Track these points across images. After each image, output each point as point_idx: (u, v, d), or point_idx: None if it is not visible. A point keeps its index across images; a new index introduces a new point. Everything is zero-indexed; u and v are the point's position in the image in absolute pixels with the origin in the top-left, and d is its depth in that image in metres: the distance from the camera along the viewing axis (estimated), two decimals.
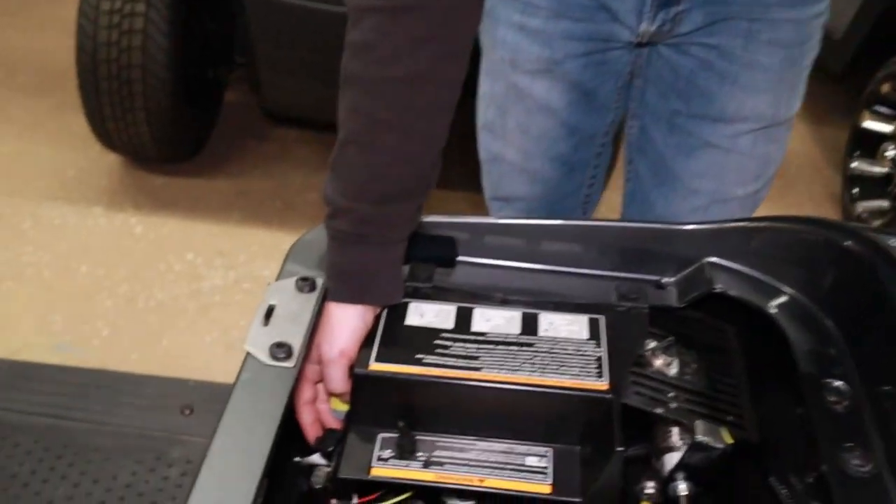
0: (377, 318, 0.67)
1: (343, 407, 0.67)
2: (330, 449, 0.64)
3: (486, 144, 0.95)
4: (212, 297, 1.77)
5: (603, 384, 0.61)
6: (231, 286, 1.80)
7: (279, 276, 0.69)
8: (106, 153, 2.06)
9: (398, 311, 0.67)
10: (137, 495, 0.99)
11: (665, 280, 0.71)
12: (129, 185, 2.03)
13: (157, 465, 1.05)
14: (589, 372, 0.62)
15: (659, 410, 0.61)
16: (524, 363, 0.63)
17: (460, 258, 0.72)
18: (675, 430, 0.63)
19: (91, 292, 1.74)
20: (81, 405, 1.12)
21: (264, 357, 0.62)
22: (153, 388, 1.20)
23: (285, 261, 0.68)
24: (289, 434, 0.56)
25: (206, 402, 1.18)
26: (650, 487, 0.60)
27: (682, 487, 0.60)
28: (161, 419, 1.13)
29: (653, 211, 0.92)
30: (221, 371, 1.53)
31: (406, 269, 0.69)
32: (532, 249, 0.72)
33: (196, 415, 1.17)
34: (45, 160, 2.09)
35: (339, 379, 0.64)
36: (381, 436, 0.63)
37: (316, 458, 0.63)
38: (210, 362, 1.60)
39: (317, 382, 0.67)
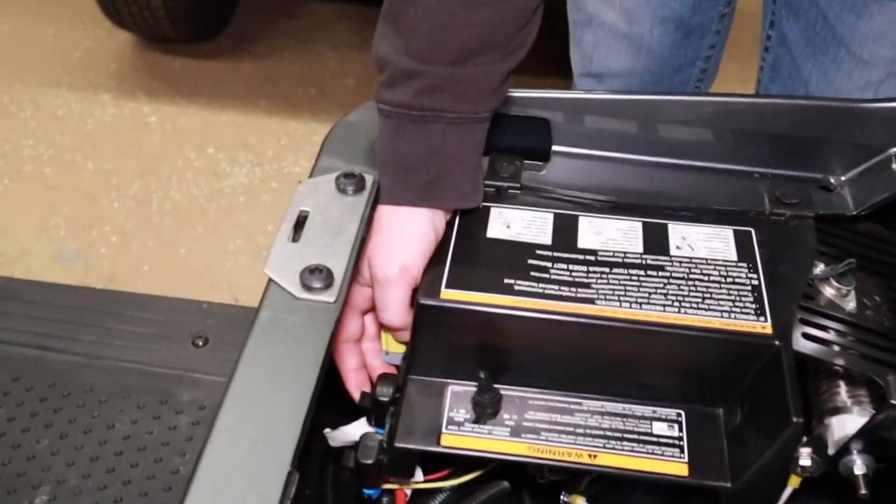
0: (448, 228, 0.59)
1: (400, 349, 0.60)
2: (382, 407, 0.56)
3: (579, 3, 0.87)
4: (235, 199, 1.72)
5: (765, 326, 0.53)
6: (257, 185, 1.74)
7: (313, 173, 0.60)
8: (116, 32, 1.97)
9: (477, 220, 0.60)
10: (139, 450, 0.91)
11: (835, 179, 0.63)
12: (142, 69, 1.95)
13: (163, 411, 0.96)
14: (744, 307, 0.54)
15: (841, 362, 0.52)
16: (653, 294, 0.55)
17: (556, 147, 0.64)
18: (844, 386, 0.55)
19: (98, 192, 1.70)
20: (72, 333, 1.03)
21: (293, 287, 0.52)
22: (160, 311, 1.08)
23: (320, 153, 0.60)
24: (325, 390, 0.49)
25: (223, 329, 1.07)
26: (806, 457, 0.50)
27: (859, 464, 0.50)
28: (169, 352, 1.03)
29: (806, 88, 0.82)
30: (245, 287, 1.50)
31: (485, 161, 0.61)
32: (652, 137, 0.64)
33: (211, 347, 1.06)
34: (47, 40, 2.01)
35: (396, 308, 0.56)
36: (452, 389, 0.56)
37: (355, 429, 0.56)
38: (232, 275, 1.55)
39: (365, 313, 0.60)
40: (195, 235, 1.65)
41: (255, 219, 1.68)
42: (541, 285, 0.55)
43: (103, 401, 0.95)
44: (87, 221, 1.64)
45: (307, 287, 0.53)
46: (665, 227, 0.60)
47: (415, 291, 0.56)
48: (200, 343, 1.06)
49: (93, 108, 1.87)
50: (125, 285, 1.48)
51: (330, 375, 0.56)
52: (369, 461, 0.52)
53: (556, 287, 0.55)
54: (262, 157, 1.81)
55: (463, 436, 0.54)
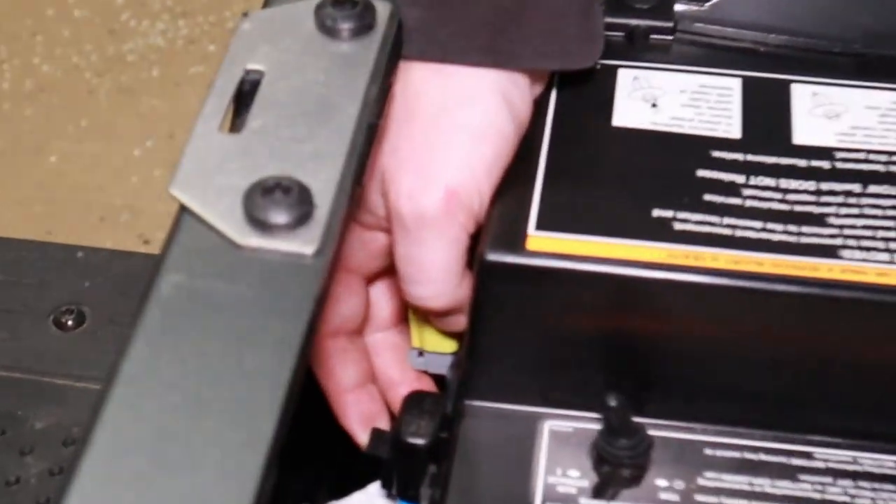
0: (537, 114, 0.59)
1: (445, 346, 0.62)
2: (411, 460, 0.56)
3: None
4: (144, 72, 1.78)
5: None
6: (181, 50, 1.81)
7: (266, 2, 0.59)
8: None
9: (592, 94, 0.61)
10: None
11: None
12: None
13: (5, 449, 0.93)
14: None
15: None
16: None
17: None
18: None
19: None
20: None
21: (230, 223, 0.49)
22: (8, 262, 1.06)
23: None
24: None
25: (112, 299, 1.04)
26: None
27: None
28: (13, 339, 1.00)
29: None
30: (159, 221, 1.54)
31: None
32: None
33: (89, 329, 1.02)
34: None
35: (436, 272, 0.56)
36: (551, 428, 0.55)
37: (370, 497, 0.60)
38: (138, 199, 1.60)
39: (373, 280, 0.63)
40: (75, 134, 1.68)
41: (176, 106, 1.71)
42: (726, 222, 0.54)
43: None
44: None
45: (259, 224, 0.48)
46: None
47: (474, 240, 0.56)
48: (70, 322, 1.01)
49: None
50: None
51: (310, 400, 0.55)
52: None
53: (758, 225, 0.54)
54: (189, 1, 1.83)
55: None
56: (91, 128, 1.74)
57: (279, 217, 0.48)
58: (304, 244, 0.48)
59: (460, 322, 0.58)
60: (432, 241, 0.56)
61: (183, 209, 0.50)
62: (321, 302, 0.48)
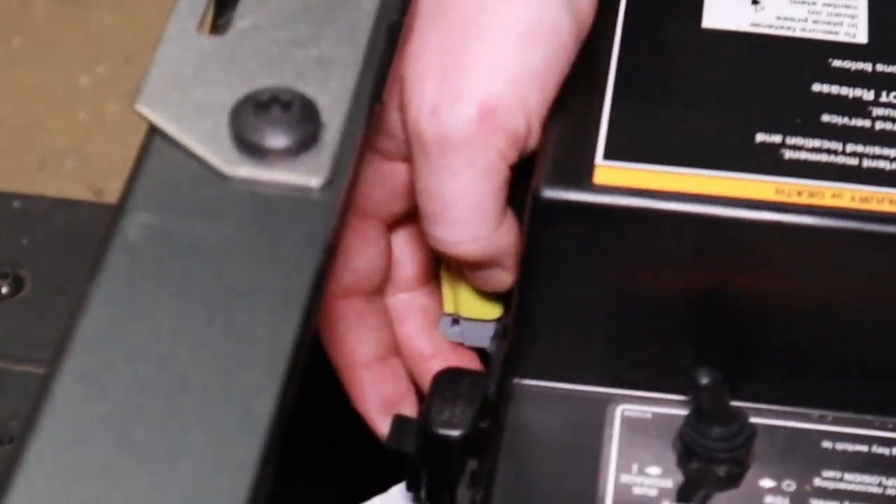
0: (604, 12, 0.58)
1: (485, 312, 0.62)
2: (443, 456, 0.56)
3: None
4: None
5: None
6: None
7: None
8: None
9: None
10: None
11: None
12: None
13: None
14: None
15: None
16: None
17: None
18: None
19: None
20: None
21: (213, 147, 0.48)
22: None
23: None
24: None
25: (58, 259, 1.02)
26: None
27: None
28: None
29: None
30: (114, 163, 1.54)
31: None
32: None
33: (30, 297, 1.00)
34: None
35: (471, 210, 0.56)
36: (623, 413, 0.56)
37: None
38: (88, 136, 1.60)
39: (394, 225, 0.64)
40: (6, 57, 1.68)
41: (134, 22, 1.74)
42: (850, 149, 0.53)
43: None
44: None
45: (251, 148, 0.47)
46: None
47: (517, 172, 0.55)
48: (4, 289, 1.00)
49: None
50: None
51: (315, 378, 0.53)
52: None
53: (892, 153, 0.53)
54: None
55: None
56: (26, 49, 1.74)
57: (276, 139, 0.47)
58: (308, 174, 0.47)
59: (503, 279, 0.57)
60: (460, 169, 0.54)
61: (153, 131, 0.49)
62: (331, 250, 0.47)
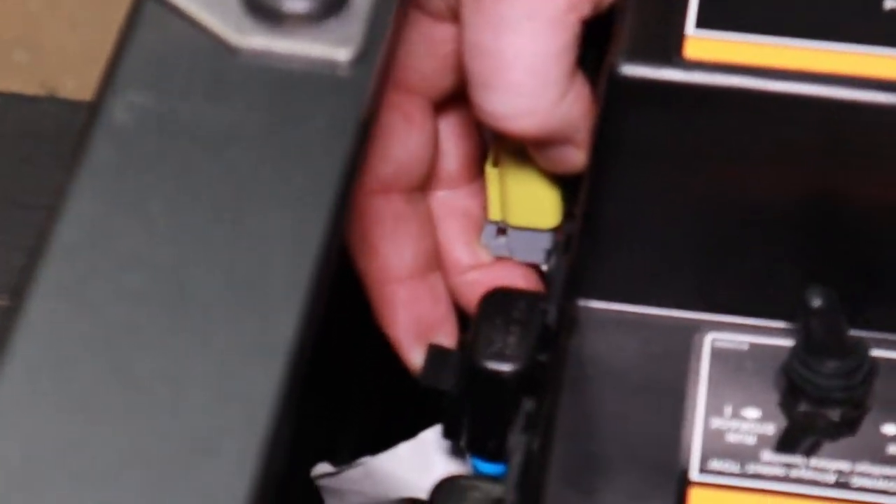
0: None
1: (536, 216, 0.63)
2: (493, 394, 0.57)
3: None
4: None
5: None
6: None
7: None
8: None
9: None
10: None
11: None
12: None
13: None
14: None
15: None
16: None
17: None
18: None
19: None
20: None
21: (221, 19, 0.49)
22: None
23: None
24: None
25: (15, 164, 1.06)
26: None
27: None
28: None
29: None
30: (74, 63, 1.56)
31: None
32: None
33: None
34: None
35: (525, 63, 0.56)
36: (714, 342, 0.57)
37: (410, 460, 0.63)
38: (38, 23, 1.64)
39: (441, 107, 0.65)
40: None
41: None
42: None
43: None
44: None
45: (265, 13, 0.48)
46: None
47: (590, 45, 0.57)
48: None
49: None
50: None
51: (339, 297, 0.53)
52: None
53: None
54: None
55: (757, 490, 0.54)
56: None
57: (296, 2, 0.48)
58: (335, 45, 0.48)
59: (573, 158, 0.58)
60: (519, 21, 0.55)
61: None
62: (364, 136, 0.47)
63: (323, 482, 0.63)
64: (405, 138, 0.62)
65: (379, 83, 0.49)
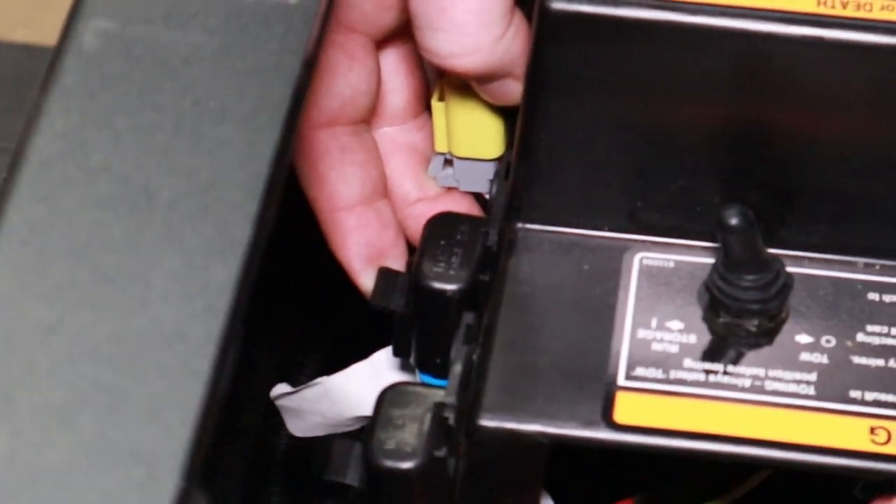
0: None
1: (479, 147, 0.64)
2: (439, 311, 0.58)
3: None
4: None
5: None
6: None
7: None
8: None
9: None
10: None
11: None
12: None
13: None
14: None
15: None
16: None
17: None
18: None
19: None
20: None
21: None
22: None
23: None
24: None
25: None
26: None
27: None
28: None
29: None
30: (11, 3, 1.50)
31: None
32: None
33: None
34: None
35: (468, 4, 0.57)
36: (642, 260, 0.59)
37: (360, 381, 0.63)
38: None
39: (383, 41, 0.65)
40: None
41: None
42: None
43: None
44: None
45: None
46: None
47: None
48: None
49: None
50: None
51: (291, 222, 0.57)
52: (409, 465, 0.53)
53: None
54: None
55: (677, 394, 0.54)
56: None
57: None
58: None
59: (513, 90, 0.59)
60: None
61: None
62: (311, 64, 0.49)
63: (281, 402, 0.63)
64: (348, 74, 0.62)
65: (325, 14, 0.50)
